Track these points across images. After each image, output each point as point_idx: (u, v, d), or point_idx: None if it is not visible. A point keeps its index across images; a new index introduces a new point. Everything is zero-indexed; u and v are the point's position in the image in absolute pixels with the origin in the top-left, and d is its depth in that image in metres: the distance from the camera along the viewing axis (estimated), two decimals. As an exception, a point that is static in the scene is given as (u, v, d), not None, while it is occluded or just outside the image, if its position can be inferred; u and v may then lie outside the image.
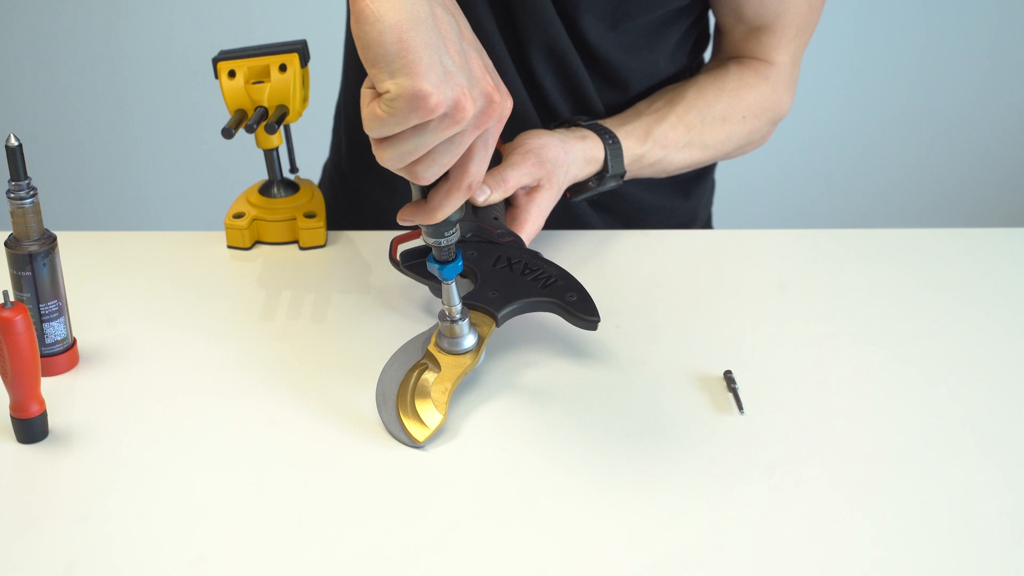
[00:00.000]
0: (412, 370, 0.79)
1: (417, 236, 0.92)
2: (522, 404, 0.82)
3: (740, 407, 0.82)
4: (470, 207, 0.92)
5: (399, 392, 0.78)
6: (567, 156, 0.97)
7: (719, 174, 1.27)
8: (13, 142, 0.79)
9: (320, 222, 1.05)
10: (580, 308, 0.83)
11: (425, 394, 0.77)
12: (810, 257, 1.06)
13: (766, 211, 2.49)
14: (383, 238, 1.09)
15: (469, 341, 0.80)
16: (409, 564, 0.68)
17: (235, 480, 0.74)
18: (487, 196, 0.90)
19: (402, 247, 0.91)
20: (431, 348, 0.80)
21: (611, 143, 1.00)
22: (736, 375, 0.84)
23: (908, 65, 2.48)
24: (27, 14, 2.41)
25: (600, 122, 1.03)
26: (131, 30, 2.43)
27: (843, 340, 0.91)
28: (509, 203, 0.95)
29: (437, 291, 0.87)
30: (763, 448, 0.78)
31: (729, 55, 1.13)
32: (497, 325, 0.83)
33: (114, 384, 0.85)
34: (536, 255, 0.89)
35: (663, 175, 1.08)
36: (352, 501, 0.73)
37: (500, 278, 0.85)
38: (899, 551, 0.69)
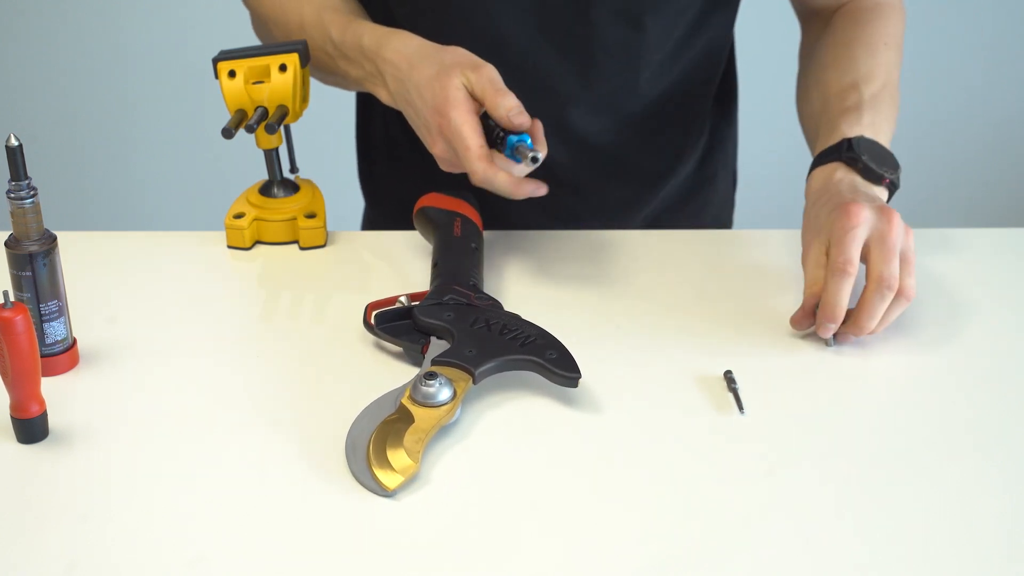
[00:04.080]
0: (384, 422, 0.77)
1: (392, 303, 0.92)
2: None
3: (740, 407, 0.82)
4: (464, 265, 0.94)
5: (370, 441, 0.75)
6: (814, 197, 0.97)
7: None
8: (13, 142, 0.79)
9: (320, 222, 1.05)
10: (560, 365, 0.81)
11: (397, 443, 0.75)
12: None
13: (765, 211, 2.48)
14: (383, 238, 1.10)
15: (444, 394, 0.78)
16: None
17: (235, 480, 0.74)
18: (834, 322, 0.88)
19: (376, 312, 0.90)
20: (405, 401, 0.78)
21: (840, 152, 0.97)
22: (736, 375, 0.84)
23: (907, 63, 2.47)
24: (27, 14, 2.41)
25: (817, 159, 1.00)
26: (131, 30, 2.43)
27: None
28: None
29: (411, 352, 0.87)
30: (763, 448, 0.78)
31: (826, 11, 1.11)
32: (475, 382, 0.81)
33: (114, 384, 0.85)
34: (515, 317, 0.87)
35: (892, 129, 1.04)
36: (351, 503, 0.73)
37: (478, 337, 0.84)
38: (899, 551, 0.69)
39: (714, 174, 1.23)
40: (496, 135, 0.92)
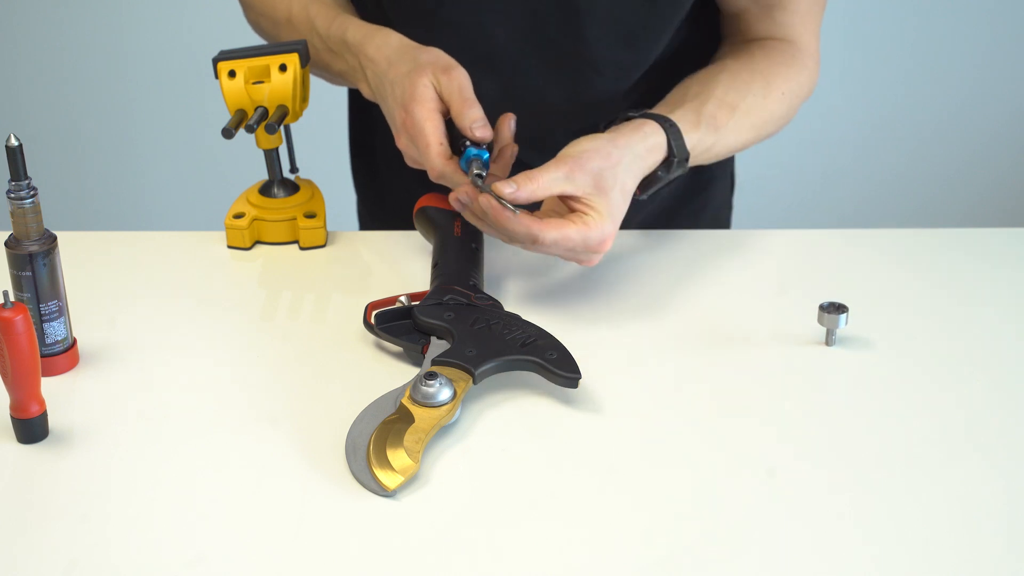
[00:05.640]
0: (384, 422, 0.77)
1: (392, 303, 0.92)
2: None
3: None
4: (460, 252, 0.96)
5: (370, 441, 0.75)
6: (621, 154, 0.92)
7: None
8: (13, 142, 0.79)
9: (320, 222, 1.05)
10: (560, 365, 0.81)
11: (397, 443, 0.75)
12: (809, 257, 1.06)
13: (765, 211, 2.49)
14: (383, 238, 1.10)
15: (444, 394, 0.78)
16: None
17: (235, 480, 0.74)
18: (513, 191, 0.87)
19: (376, 311, 0.90)
20: (405, 401, 0.78)
21: (669, 126, 0.96)
22: (735, 375, 0.84)
23: (907, 63, 2.48)
24: (27, 14, 2.42)
25: (648, 111, 0.99)
26: (131, 30, 2.43)
27: (842, 339, 0.91)
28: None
29: (411, 352, 0.87)
30: (763, 448, 0.78)
31: (747, 39, 1.10)
32: (475, 382, 0.81)
33: (114, 384, 0.85)
34: (515, 317, 0.87)
35: (716, 160, 1.04)
36: (353, 504, 0.73)
37: (478, 337, 0.84)
38: (899, 551, 0.69)
39: (711, 179, 1.23)
40: (461, 142, 0.93)
